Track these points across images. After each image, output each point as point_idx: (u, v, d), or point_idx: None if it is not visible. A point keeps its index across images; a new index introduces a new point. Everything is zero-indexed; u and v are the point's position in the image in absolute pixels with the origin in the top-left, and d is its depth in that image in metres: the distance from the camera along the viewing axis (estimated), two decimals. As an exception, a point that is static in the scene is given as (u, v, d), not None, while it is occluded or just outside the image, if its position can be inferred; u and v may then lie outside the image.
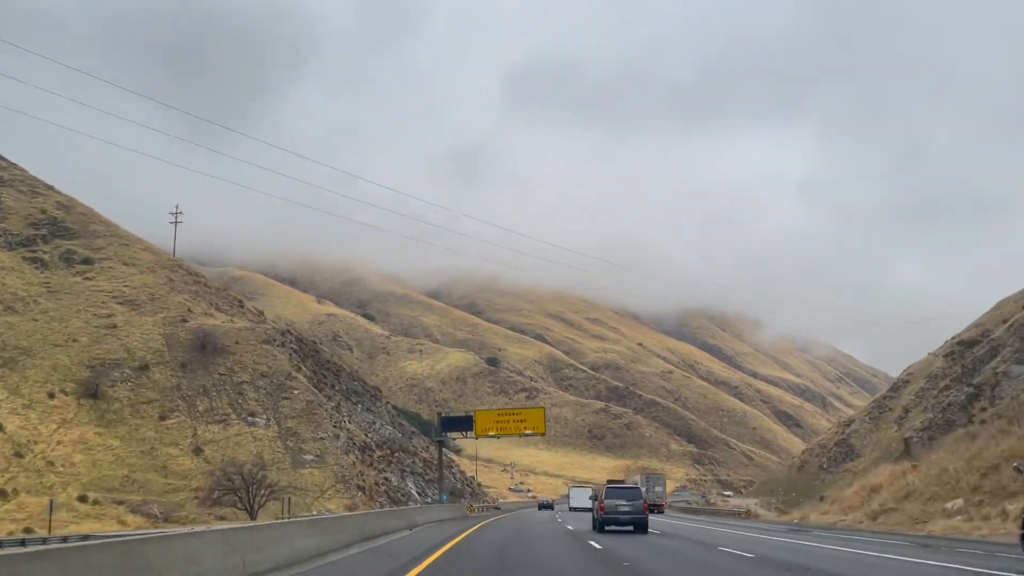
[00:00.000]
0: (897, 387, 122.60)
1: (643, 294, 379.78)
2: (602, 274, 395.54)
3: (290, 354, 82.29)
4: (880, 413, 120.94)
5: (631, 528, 33.04)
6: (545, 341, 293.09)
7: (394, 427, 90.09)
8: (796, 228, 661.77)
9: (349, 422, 79.08)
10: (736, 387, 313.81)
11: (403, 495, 75.29)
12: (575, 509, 73.21)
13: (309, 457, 70.68)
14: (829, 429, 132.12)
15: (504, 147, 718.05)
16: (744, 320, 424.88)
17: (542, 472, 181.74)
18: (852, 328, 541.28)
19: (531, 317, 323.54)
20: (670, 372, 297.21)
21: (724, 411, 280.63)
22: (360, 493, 69.16)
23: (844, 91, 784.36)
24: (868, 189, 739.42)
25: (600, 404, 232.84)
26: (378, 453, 78.67)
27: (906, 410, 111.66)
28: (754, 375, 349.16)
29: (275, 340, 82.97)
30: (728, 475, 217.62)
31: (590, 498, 56.82)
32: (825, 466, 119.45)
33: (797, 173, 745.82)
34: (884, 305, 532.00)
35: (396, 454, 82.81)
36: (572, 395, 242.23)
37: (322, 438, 72.78)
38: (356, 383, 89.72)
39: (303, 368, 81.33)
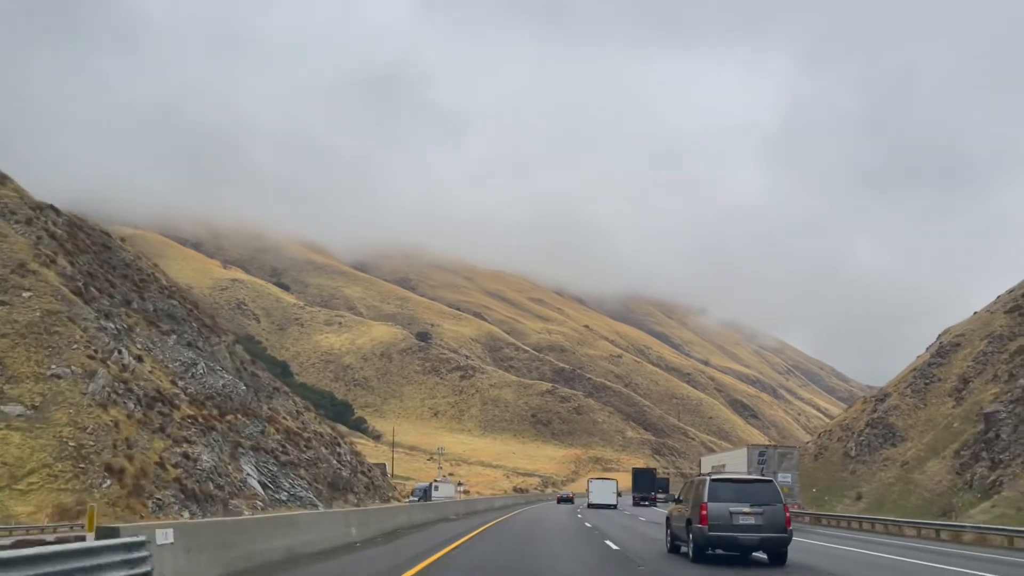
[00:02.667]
0: (944, 352, 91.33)
1: (586, 277, 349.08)
2: (542, 251, 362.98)
3: (39, 238, 45.67)
4: (925, 385, 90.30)
5: (758, 555, 16.91)
6: (484, 320, 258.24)
7: (239, 376, 54.05)
8: (755, 194, 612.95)
9: (133, 354, 42.84)
10: (689, 374, 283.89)
11: (223, 486, 39.77)
12: (595, 506, 59.12)
13: (14, 409, 34.61)
14: (854, 408, 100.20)
15: (429, 73, 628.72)
16: (689, 308, 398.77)
17: (477, 462, 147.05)
18: (800, 317, 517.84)
19: (469, 294, 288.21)
20: (619, 356, 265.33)
21: (678, 399, 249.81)
22: (112, 481, 33.51)
23: (822, 15, 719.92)
24: (838, 146, 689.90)
25: (546, 385, 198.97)
26: (186, 412, 42.73)
27: (964, 380, 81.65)
28: (706, 363, 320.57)
29: (16, 214, 46.29)
30: (691, 468, 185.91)
31: (614, 492, 56.82)
32: (854, 453, 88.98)
33: (762, 124, 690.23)
34: (838, 288, 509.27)
35: (229, 417, 47.07)
36: (514, 376, 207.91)
37: (54, 375, 36.85)
38: (175, 303, 53.30)
39: (58, 262, 44.72)
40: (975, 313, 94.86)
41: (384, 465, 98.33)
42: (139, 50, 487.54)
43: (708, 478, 16.79)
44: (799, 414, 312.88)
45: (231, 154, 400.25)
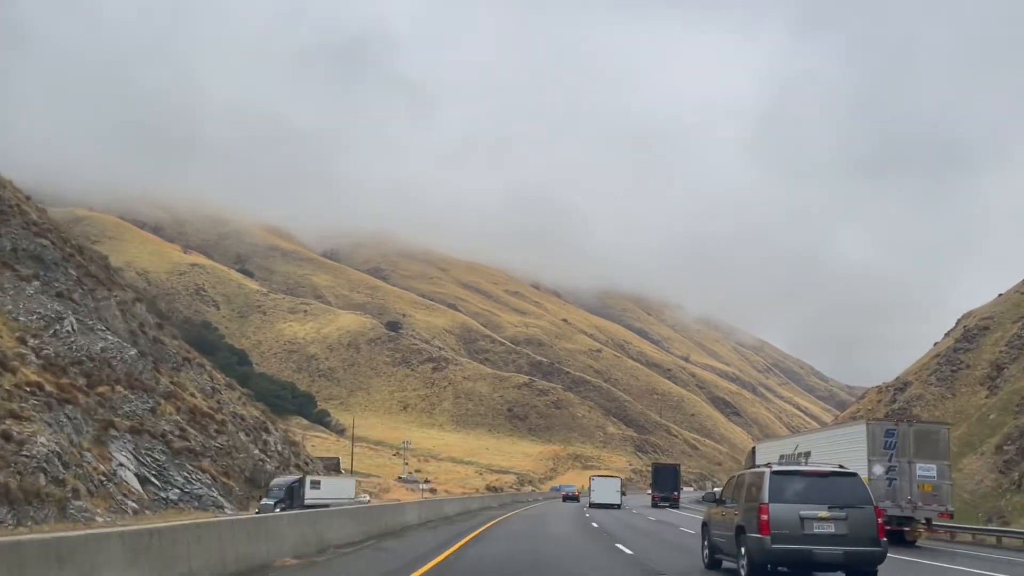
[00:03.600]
0: (970, 336, 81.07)
1: (562, 270, 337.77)
2: (518, 243, 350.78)
3: None
4: (952, 372, 79.80)
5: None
6: (459, 311, 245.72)
7: (134, 340, 41.47)
8: (737, 181, 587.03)
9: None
10: (670, 370, 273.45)
11: (64, 480, 27.48)
12: (598, 505, 54.00)
13: None
14: (867, 398, 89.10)
15: (396, 42, 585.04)
16: (667, 303, 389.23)
17: (448, 458, 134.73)
18: (779, 313, 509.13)
19: (443, 286, 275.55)
20: (599, 351, 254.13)
21: (659, 395, 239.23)
22: None
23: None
24: (826, 129, 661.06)
25: (523, 378, 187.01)
26: (27, 378, 30.33)
27: (998, 366, 73.77)
28: (686, 360, 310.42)
29: None
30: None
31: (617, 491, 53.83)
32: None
33: (747, 103, 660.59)
34: (819, 283, 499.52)
35: (102, 389, 34.72)
36: (489, 368, 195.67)
37: None
38: (47, 243, 40.63)
39: None
40: (999, 295, 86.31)
41: (338, 459, 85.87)
42: (86, 7, 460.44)
43: (768, 470, 12.75)
44: (781, 412, 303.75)
45: (185, 127, 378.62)
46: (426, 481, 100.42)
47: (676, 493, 60.94)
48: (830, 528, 12.05)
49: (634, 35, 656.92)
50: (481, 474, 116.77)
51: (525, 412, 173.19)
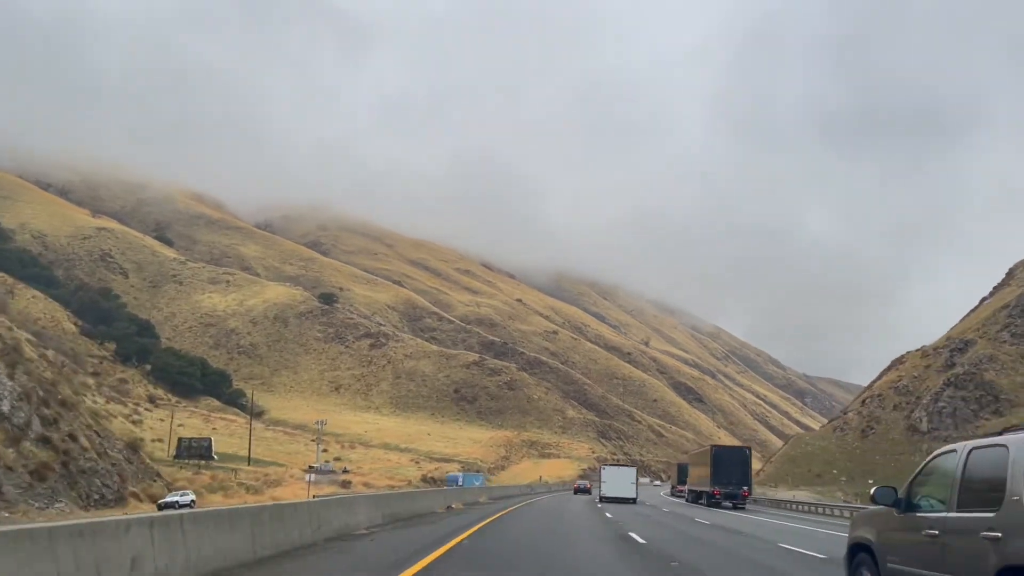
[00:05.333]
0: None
1: (516, 251, 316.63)
2: (466, 216, 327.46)
3: None
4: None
5: None
6: (405, 288, 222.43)
7: None
8: (700, 147, 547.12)
9: None
10: (630, 354, 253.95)
11: None
12: (610, 500, 44.06)
13: None
14: (909, 362, 68.76)
15: None
16: (624, 288, 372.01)
17: (381, 445, 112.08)
18: (737, 298, 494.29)
19: (389, 262, 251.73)
20: (555, 333, 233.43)
21: (619, 379, 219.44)
22: None
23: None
24: (802, 92, 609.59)
25: (472, 356, 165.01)
26: None
27: None
28: (646, 344, 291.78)
29: None
30: (641, 454, 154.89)
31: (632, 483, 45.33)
32: (926, 426, 56.39)
33: (714, 56, 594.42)
34: (782, 264, 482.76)
35: None
36: (435, 346, 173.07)
37: None
38: None
39: None
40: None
41: (209, 441, 63.04)
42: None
43: None
44: (744, 400, 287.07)
45: (77, 65, 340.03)
46: (344, 471, 77.97)
47: (746, 489, 40.56)
48: None
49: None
50: (418, 462, 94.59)
51: (474, 394, 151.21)
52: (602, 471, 50.03)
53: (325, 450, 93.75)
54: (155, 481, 36.34)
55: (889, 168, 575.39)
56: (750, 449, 45.69)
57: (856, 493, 55.44)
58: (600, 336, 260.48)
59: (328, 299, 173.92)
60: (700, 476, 45.44)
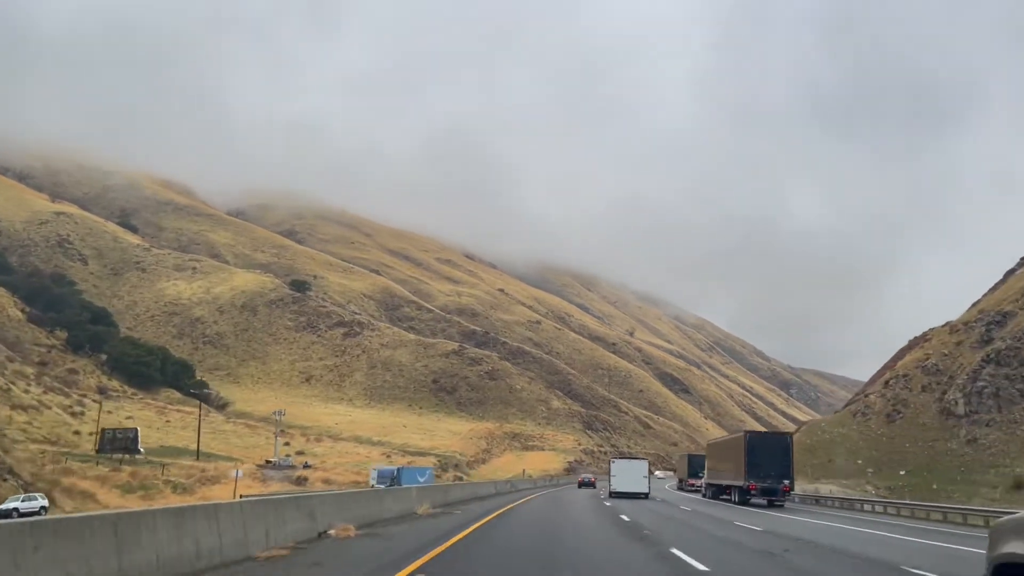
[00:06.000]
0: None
1: (498, 242, 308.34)
2: (443, 203, 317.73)
3: None
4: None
5: None
6: (382, 276, 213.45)
7: None
8: (685, 128, 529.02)
9: None
10: (615, 344, 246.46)
11: None
12: (620, 495, 40.10)
13: None
14: (936, 339, 61.04)
15: None
16: (608, 280, 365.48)
17: (352, 438, 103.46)
18: (722, 288, 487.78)
19: (367, 251, 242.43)
20: (538, 323, 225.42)
21: (604, 369, 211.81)
22: None
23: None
24: (791, 72, 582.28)
25: (452, 345, 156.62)
26: None
27: None
28: (631, 334, 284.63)
29: None
30: (628, 445, 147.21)
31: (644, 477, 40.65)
32: (963, 409, 47.52)
33: (701, 29, 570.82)
34: (767, 253, 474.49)
35: None
36: (414, 335, 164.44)
37: None
38: None
39: None
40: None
41: (135, 431, 54.40)
42: None
43: None
44: (731, 392, 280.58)
45: (16, 34, 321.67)
46: (305, 466, 69.48)
47: (787, 483, 32.70)
48: None
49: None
50: (390, 456, 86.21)
51: (454, 384, 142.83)
52: (611, 464, 45.31)
53: (287, 443, 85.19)
54: (5, 480, 27.73)
55: (880, 152, 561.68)
56: (792, 436, 37.29)
57: (889, 487, 47.73)
58: (584, 326, 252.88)
59: (300, 287, 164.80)
60: (725, 468, 37.50)
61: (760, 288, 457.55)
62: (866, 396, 56.18)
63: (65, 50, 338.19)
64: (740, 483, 33.70)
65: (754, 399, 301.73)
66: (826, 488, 45.05)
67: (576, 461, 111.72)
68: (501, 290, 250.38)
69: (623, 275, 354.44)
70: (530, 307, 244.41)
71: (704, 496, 43.08)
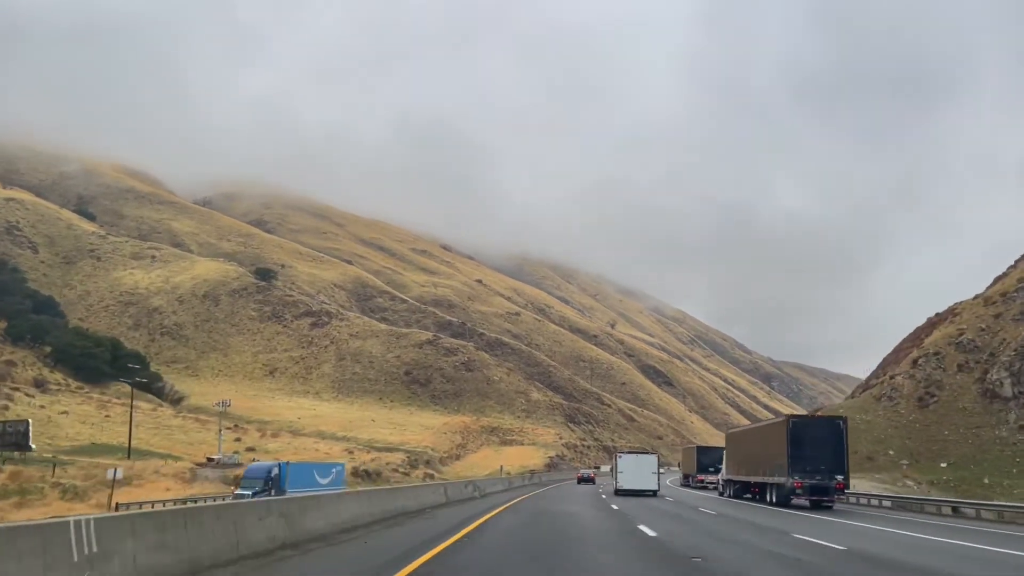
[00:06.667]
0: None
1: (475, 232, 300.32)
2: (418, 192, 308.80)
3: None
4: None
5: None
6: (354, 267, 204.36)
7: None
8: (666, 111, 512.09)
9: None
10: (596, 336, 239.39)
11: None
12: (626, 492, 37.12)
13: None
14: (968, 310, 53.59)
15: None
16: (587, 272, 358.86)
17: (315, 433, 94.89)
18: (701, 280, 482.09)
19: (340, 242, 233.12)
20: (517, 314, 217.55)
21: (586, 361, 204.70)
22: None
23: None
24: (773, 53, 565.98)
25: (425, 335, 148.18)
26: None
27: None
28: (612, 326, 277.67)
29: None
30: (613, 439, 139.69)
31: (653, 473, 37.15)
32: (1013, 391, 37.25)
33: (683, 17, 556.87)
34: (748, 242, 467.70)
35: None
36: (386, 325, 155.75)
37: None
38: None
39: None
40: None
41: (26, 423, 45.80)
42: None
43: None
44: (714, 384, 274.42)
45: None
46: (252, 463, 60.85)
47: (840, 478, 24.56)
48: None
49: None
50: (352, 452, 77.81)
51: (427, 375, 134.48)
52: (618, 459, 41.60)
53: (238, 439, 76.54)
54: None
55: (865, 136, 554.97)
56: (845, 420, 28.57)
57: (931, 481, 39.97)
58: (564, 318, 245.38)
59: (265, 275, 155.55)
60: (756, 461, 29.54)
61: (740, 278, 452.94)
62: (891, 378, 48.89)
63: (27, 31, 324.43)
64: (781, 480, 25.90)
65: (737, 392, 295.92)
66: (863, 485, 37.33)
67: (558, 456, 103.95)
68: (479, 281, 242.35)
69: (602, 266, 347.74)
70: (509, 298, 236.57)
71: (722, 495, 35.48)
